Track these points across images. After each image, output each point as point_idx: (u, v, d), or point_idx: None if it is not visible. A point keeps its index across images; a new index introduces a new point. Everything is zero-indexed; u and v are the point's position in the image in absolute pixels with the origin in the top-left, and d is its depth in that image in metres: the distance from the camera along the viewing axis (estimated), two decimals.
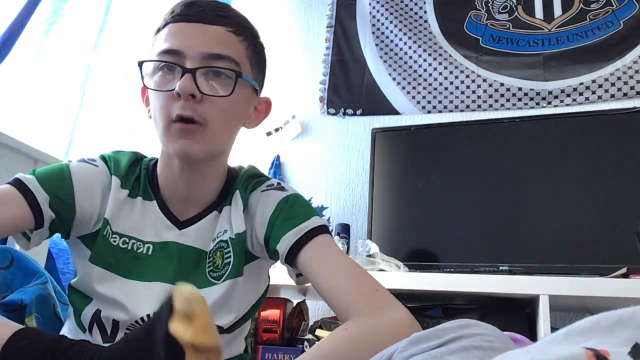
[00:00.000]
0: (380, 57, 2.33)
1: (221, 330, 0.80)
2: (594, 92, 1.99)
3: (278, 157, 2.33)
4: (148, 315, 0.76)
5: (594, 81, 2.00)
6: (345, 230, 1.98)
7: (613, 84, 1.97)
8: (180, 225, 0.81)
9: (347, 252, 1.90)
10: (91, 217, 0.79)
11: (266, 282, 0.92)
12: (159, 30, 0.80)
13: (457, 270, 1.67)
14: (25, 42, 1.39)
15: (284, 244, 0.78)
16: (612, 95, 1.97)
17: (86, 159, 0.83)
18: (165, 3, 2.04)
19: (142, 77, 0.79)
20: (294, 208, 0.81)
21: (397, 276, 1.64)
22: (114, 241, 0.79)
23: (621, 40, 2.01)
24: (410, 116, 2.22)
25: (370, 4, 2.42)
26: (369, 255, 1.72)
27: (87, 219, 0.79)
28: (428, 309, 1.66)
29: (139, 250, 0.79)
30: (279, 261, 0.83)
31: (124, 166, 0.83)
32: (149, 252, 0.79)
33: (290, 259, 0.78)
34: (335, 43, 2.43)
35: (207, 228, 0.82)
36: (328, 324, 1.79)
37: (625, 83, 1.96)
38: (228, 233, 0.81)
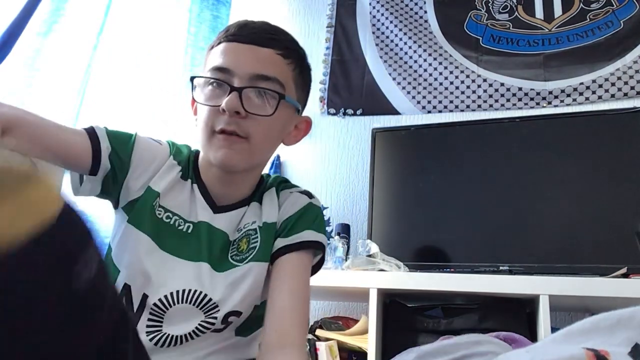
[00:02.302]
0: (381, 57, 2.33)
1: (235, 316, 0.84)
2: (594, 92, 1.99)
3: (278, 157, 2.33)
4: (171, 294, 0.81)
5: (594, 81, 2.00)
6: (345, 230, 1.98)
7: (613, 84, 1.97)
8: (216, 209, 0.87)
9: (347, 252, 1.90)
10: (137, 186, 0.83)
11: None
12: (212, 47, 0.86)
13: (457, 270, 1.67)
14: (25, 42, 1.39)
15: (282, 242, 0.86)
16: (613, 95, 1.97)
17: (155, 138, 0.90)
18: (165, 3, 2.04)
19: (193, 90, 0.84)
20: (310, 217, 0.89)
21: (397, 276, 1.64)
22: (159, 214, 0.84)
23: (621, 40, 2.01)
24: (411, 116, 2.22)
25: (370, 4, 2.42)
26: (369, 255, 1.72)
27: (133, 187, 0.83)
28: (428, 308, 1.66)
29: (180, 227, 0.85)
30: None
31: (183, 153, 0.90)
32: (189, 231, 0.85)
33: (274, 256, 0.86)
34: (336, 43, 2.43)
35: (235, 219, 0.88)
36: (328, 324, 1.79)
37: (626, 83, 1.96)
38: (257, 223, 0.87)
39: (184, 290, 0.81)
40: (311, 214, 0.90)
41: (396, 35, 2.33)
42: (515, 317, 1.56)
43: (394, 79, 2.28)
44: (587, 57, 2.04)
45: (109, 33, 1.68)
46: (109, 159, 0.80)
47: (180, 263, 0.83)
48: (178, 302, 0.81)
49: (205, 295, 0.82)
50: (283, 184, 0.95)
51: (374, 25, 2.40)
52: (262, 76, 0.80)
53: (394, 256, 1.73)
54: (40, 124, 0.75)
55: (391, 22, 2.35)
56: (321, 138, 2.33)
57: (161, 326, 0.81)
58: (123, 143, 0.82)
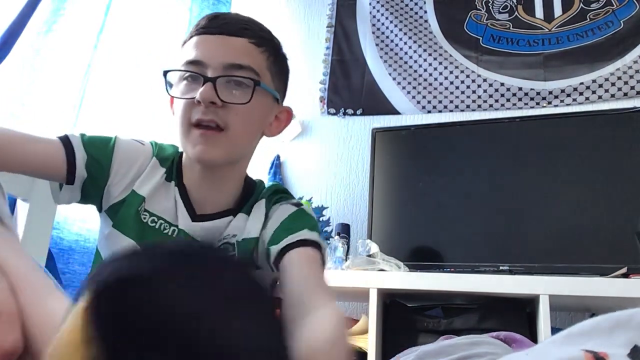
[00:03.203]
0: (381, 57, 2.33)
1: None
2: (594, 92, 1.99)
3: (278, 157, 2.33)
4: None
5: (594, 81, 2.00)
6: (345, 230, 1.98)
7: (613, 84, 1.97)
8: (195, 217, 0.84)
9: (347, 252, 1.90)
10: (119, 187, 0.82)
11: None
12: (185, 42, 0.84)
13: (457, 270, 1.67)
14: (25, 42, 1.39)
15: (278, 246, 0.80)
16: (613, 95, 1.97)
17: (136, 139, 0.88)
18: (165, 3, 2.04)
19: (167, 86, 0.83)
20: (299, 218, 0.85)
21: (397, 276, 1.64)
22: (144, 218, 0.83)
23: (621, 40, 2.01)
24: (411, 116, 2.22)
25: (370, 4, 2.42)
26: (369, 255, 1.72)
27: (115, 190, 0.82)
28: (428, 308, 1.66)
29: (165, 231, 0.83)
30: None
31: (167, 153, 0.88)
32: (174, 235, 0.83)
33: (278, 261, 0.80)
34: (336, 43, 2.43)
35: (217, 228, 0.85)
36: None
37: (626, 83, 1.96)
38: (237, 237, 0.84)
39: None
40: (304, 217, 0.85)
41: (396, 35, 2.33)
42: (516, 317, 1.56)
43: (394, 79, 2.28)
44: (587, 57, 2.04)
45: (109, 33, 1.68)
46: (85, 168, 0.79)
47: None
48: None
49: None
50: (276, 196, 0.89)
51: (374, 25, 2.40)
52: (235, 65, 0.79)
53: (394, 256, 1.73)
54: (5, 136, 0.74)
55: (391, 22, 2.35)
56: (321, 138, 2.33)
57: None
58: (101, 148, 0.82)
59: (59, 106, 1.52)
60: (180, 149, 0.88)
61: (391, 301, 1.72)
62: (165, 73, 0.82)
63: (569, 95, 2.02)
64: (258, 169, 2.22)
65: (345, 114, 2.32)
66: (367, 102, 2.30)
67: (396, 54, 2.32)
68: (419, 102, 2.22)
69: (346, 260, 1.78)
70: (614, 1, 2.07)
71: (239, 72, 0.79)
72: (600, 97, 1.98)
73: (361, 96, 2.31)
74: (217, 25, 0.81)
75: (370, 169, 2.01)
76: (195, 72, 0.79)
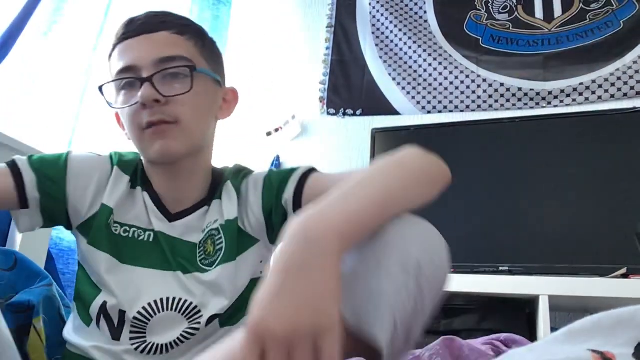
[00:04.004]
0: (380, 58, 2.33)
1: (218, 317, 0.82)
2: (593, 93, 1.99)
3: (278, 157, 2.33)
4: (150, 305, 0.78)
5: (593, 81, 2.00)
6: None
7: (613, 84, 1.97)
8: (171, 217, 0.84)
9: None
10: (84, 203, 0.81)
11: (262, 272, 0.91)
12: (110, 55, 0.83)
13: (456, 270, 1.67)
14: (25, 42, 1.39)
15: (288, 192, 0.82)
16: (612, 96, 1.97)
17: (93, 152, 0.87)
18: (165, 3, 2.04)
19: (108, 102, 0.82)
20: (280, 172, 0.87)
21: None
22: (115, 230, 0.82)
23: (621, 40, 2.01)
24: (410, 116, 2.22)
25: (370, 4, 2.42)
26: None
27: (81, 205, 0.81)
28: None
29: (140, 238, 0.82)
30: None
31: (129, 161, 0.86)
32: (150, 240, 0.82)
33: (298, 201, 0.82)
34: (335, 43, 2.43)
35: (197, 222, 0.84)
36: None
37: (625, 83, 1.96)
38: (219, 221, 0.84)
39: (161, 300, 0.79)
40: (280, 170, 0.88)
41: (396, 36, 2.33)
42: (515, 317, 1.56)
43: (393, 79, 2.28)
44: (587, 58, 2.04)
45: (108, 34, 1.68)
46: (37, 189, 0.77)
47: (149, 273, 0.81)
48: (159, 312, 0.79)
49: (186, 301, 0.80)
50: (240, 174, 0.90)
51: (373, 25, 2.40)
52: (166, 58, 0.78)
53: None
54: None
55: (391, 22, 2.35)
56: (321, 138, 2.33)
57: (145, 336, 0.79)
58: (52, 166, 0.80)
59: (59, 106, 1.52)
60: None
61: None
62: (100, 89, 0.81)
63: (568, 96, 2.02)
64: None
65: (345, 114, 2.32)
66: (367, 102, 2.30)
67: (396, 54, 2.32)
68: (418, 103, 2.22)
69: None
70: (613, 1, 2.07)
71: (172, 64, 0.78)
72: (599, 97, 1.98)
73: (361, 96, 2.31)
74: (135, 27, 0.81)
75: None
76: (130, 77, 0.78)
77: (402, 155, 0.71)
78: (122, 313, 0.78)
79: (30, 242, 1.21)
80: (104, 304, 0.79)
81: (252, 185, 0.87)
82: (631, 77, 1.95)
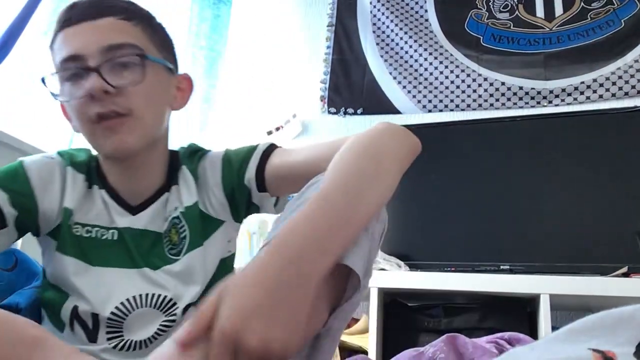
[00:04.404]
0: (381, 56, 2.33)
1: (193, 305, 0.80)
2: (595, 91, 1.99)
3: None
4: (122, 304, 0.77)
5: (595, 80, 2.00)
6: None
7: (614, 83, 1.97)
8: (133, 210, 0.81)
9: None
10: (54, 209, 0.78)
11: (231, 251, 0.89)
12: (52, 43, 0.78)
13: (458, 269, 1.67)
14: (25, 42, 1.39)
15: (250, 171, 0.81)
16: (613, 95, 1.96)
17: (42, 155, 0.83)
18: (165, 2, 2.04)
19: (52, 94, 0.77)
20: (239, 151, 0.84)
21: (397, 275, 1.64)
22: (77, 231, 0.79)
23: (622, 39, 2.01)
24: (411, 115, 2.22)
25: (371, 3, 2.42)
26: None
27: (51, 211, 0.78)
28: (429, 307, 1.66)
29: (104, 237, 0.79)
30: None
31: (81, 158, 0.83)
32: (115, 238, 0.80)
33: (261, 179, 0.81)
34: (336, 42, 2.43)
35: (160, 210, 0.82)
36: None
37: (627, 82, 1.96)
38: (179, 209, 0.81)
39: (134, 297, 0.77)
40: (238, 149, 0.84)
41: (397, 35, 2.33)
42: (516, 316, 1.56)
43: (394, 78, 2.28)
44: (588, 56, 2.03)
45: None
46: (12, 206, 0.74)
47: (118, 272, 0.78)
48: (134, 309, 0.77)
49: (160, 295, 0.78)
50: (195, 156, 0.86)
51: (374, 24, 2.40)
52: (113, 46, 0.73)
53: (395, 255, 1.73)
54: None
55: (392, 21, 2.35)
56: (322, 137, 2.33)
57: (122, 335, 0.77)
58: (14, 180, 0.75)
59: (59, 106, 1.52)
60: (94, 152, 0.84)
61: (392, 300, 1.72)
62: (43, 80, 0.76)
63: (569, 95, 2.02)
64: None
65: (345, 113, 2.32)
66: (368, 101, 2.30)
67: (397, 53, 2.31)
68: (419, 102, 2.22)
69: None
70: (614, 0, 2.07)
71: (120, 52, 0.73)
72: (601, 96, 1.98)
73: (362, 95, 2.31)
74: (79, 12, 0.75)
75: None
76: (76, 66, 0.73)
77: (368, 141, 0.70)
78: (94, 316, 0.76)
79: (31, 241, 1.22)
80: (75, 308, 0.77)
81: (209, 166, 0.84)
82: (632, 76, 1.95)
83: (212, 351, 0.44)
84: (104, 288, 0.77)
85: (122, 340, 0.77)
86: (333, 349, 0.61)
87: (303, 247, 0.49)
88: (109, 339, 0.77)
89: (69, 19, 0.75)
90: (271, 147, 0.82)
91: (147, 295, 0.78)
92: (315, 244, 0.50)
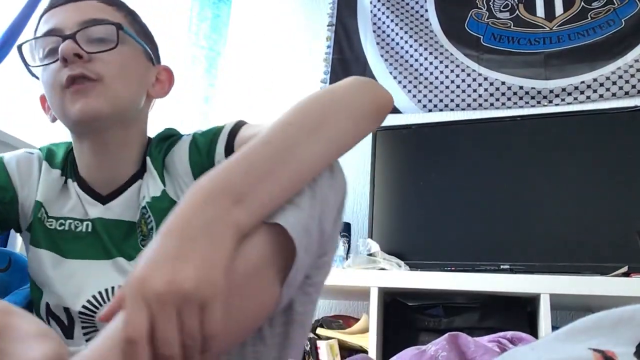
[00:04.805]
0: (381, 56, 2.33)
1: None
2: (595, 91, 1.99)
3: None
4: (94, 297, 0.75)
5: (595, 80, 2.00)
6: (346, 229, 1.98)
7: (614, 83, 1.97)
8: (104, 200, 0.79)
9: (348, 250, 1.90)
10: (30, 203, 0.79)
11: None
12: (36, 28, 0.79)
13: (458, 269, 1.67)
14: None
15: (219, 151, 0.77)
16: (614, 94, 1.96)
17: (23, 149, 0.84)
18: (165, 2, 2.04)
19: (24, 63, 0.77)
20: (207, 132, 0.81)
21: (398, 275, 1.64)
22: (50, 225, 0.78)
23: (622, 38, 2.01)
24: (411, 115, 2.22)
25: (371, 3, 2.42)
26: (370, 254, 1.72)
27: (28, 205, 0.79)
28: (429, 307, 1.66)
29: (78, 229, 0.78)
30: None
31: (59, 153, 0.83)
32: (89, 229, 0.78)
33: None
34: (336, 42, 2.43)
35: (132, 199, 0.79)
36: (329, 322, 1.79)
37: (627, 82, 1.96)
38: (146, 199, 0.79)
39: (106, 290, 0.76)
40: (204, 134, 0.80)
41: (397, 34, 2.33)
42: (516, 316, 1.56)
43: (394, 77, 2.28)
44: (588, 56, 2.03)
45: None
46: None
47: (92, 264, 0.77)
48: (105, 302, 0.75)
49: None
50: (165, 143, 0.83)
51: (374, 24, 2.40)
52: (91, 20, 0.74)
53: (395, 255, 1.73)
54: None
55: (392, 20, 2.35)
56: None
57: (97, 329, 0.75)
58: None
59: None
60: (69, 139, 0.83)
61: (392, 300, 1.72)
62: (19, 48, 0.76)
63: (570, 94, 2.02)
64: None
65: None
66: None
67: (397, 52, 2.31)
68: (419, 101, 2.22)
69: (347, 259, 1.78)
70: (615, 0, 2.07)
71: (97, 26, 0.74)
72: (601, 96, 1.98)
73: None
74: None
75: (370, 167, 2.00)
76: (52, 35, 0.74)
77: (324, 92, 0.64)
78: (67, 310, 0.76)
79: None
80: (47, 304, 0.76)
81: (177, 153, 0.81)
82: (632, 76, 1.95)
83: (125, 307, 0.42)
84: (75, 281, 0.76)
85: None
86: (303, 334, 0.60)
87: (212, 191, 0.48)
88: (85, 334, 0.75)
89: (53, 3, 0.77)
90: (239, 124, 0.79)
91: (120, 287, 0.77)
92: (227, 189, 0.48)
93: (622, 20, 2.03)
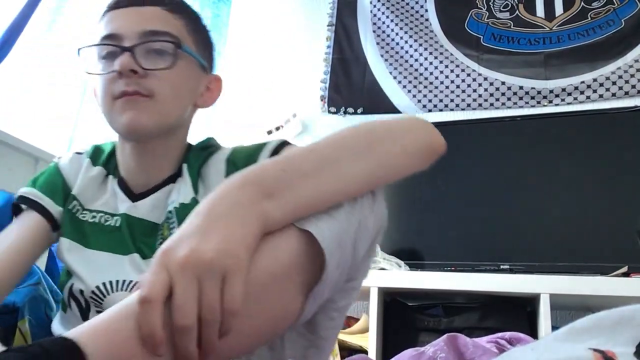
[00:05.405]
0: (381, 56, 2.33)
1: None
2: (595, 91, 1.99)
3: None
4: (104, 284, 0.78)
5: (595, 80, 2.00)
6: None
7: (614, 83, 1.97)
8: (135, 198, 0.82)
9: None
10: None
11: None
12: (98, 23, 0.81)
13: (458, 269, 1.67)
14: (25, 42, 1.39)
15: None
16: (614, 94, 1.96)
17: (77, 150, 0.87)
18: None
19: (85, 67, 0.79)
20: (247, 149, 0.81)
21: (397, 275, 1.64)
22: (83, 217, 0.82)
23: (622, 38, 2.01)
24: (411, 115, 2.22)
25: (371, 3, 2.42)
26: None
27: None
28: (429, 307, 1.66)
29: (107, 223, 0.81)
30: None
31: (105, 151, 0.86)
32: (117, 224, 0.81)
33: None
34: (336, 41, 2.43)
35: (162, 200, 0.81)
36: None
37: (627, 82, 1.96)
38: (174, 203, 0.80)
39: (117, 281, 0.78)
40: (244, 150, 0.80)
41: (397, 34, 2.33)
42: (516, 315, 1.56)
43: (394, 77, 2.28)
44: (588, 56, 2.03)
45: None
46: (59, 205, 0.80)
47: (110, 257, 0.79)
48: (112, 292, 0.77)
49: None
50: (204, 152, 0.84)
51: (374, 24, 2.40)
52: (152, 31, 0.75)
53: (395, 255, 1.73)
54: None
55: (392, 20, 2.35)
56: (322, 137, 2.32)
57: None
58: (54, 181, 0.82)
59: (60, 104, 1.52)
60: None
61: (392, 300, 1.72)
62: (79, 51, 0.79)
63: (570, 94, 2.02)
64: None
65: (346, 112, 2.32)
66: (368, 100, 2.29)
67: (397, 52, 2.31)
68: (419, 101, 2.22)
69: None
70: (614, 0, 2.07)
71: (156, 38, 0.75)
72: (601, 96, 1.98)
73: (362, 95, 2.31)
74: None
75: None
76: (111, 44, 0.75)
77: (380, 123, 0.64)
78: (82, 292, 0.78)
79: None
80: (71, 286, 0.79)
81: (215, 166, 0.82)
82: (632, 76, 1.95)
83: (150, 273, 0.43)
84: (92, 267, 0.78)
85: None
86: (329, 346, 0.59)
87: (245, 181, 0.49)
88: None
89: (117, 3, 0.79)
90: (283, 143, 0.78)
91: (130, 282, 0.78)
92: (260, 181, 0.49)
93: (622, 20, 2.03)
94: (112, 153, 0.86)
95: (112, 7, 0.79)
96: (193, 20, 0.83)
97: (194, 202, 0.79)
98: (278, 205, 0.48)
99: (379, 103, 2.27)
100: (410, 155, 0.63)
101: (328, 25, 2.46)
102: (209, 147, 0.85)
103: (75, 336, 0.39)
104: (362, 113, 2.29)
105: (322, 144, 0.57)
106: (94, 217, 0.81)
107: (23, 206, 0.81)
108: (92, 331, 0.40)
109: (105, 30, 0.77)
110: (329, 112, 2.34)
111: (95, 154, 0.85)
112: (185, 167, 0.82)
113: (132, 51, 0.73)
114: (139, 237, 0.80)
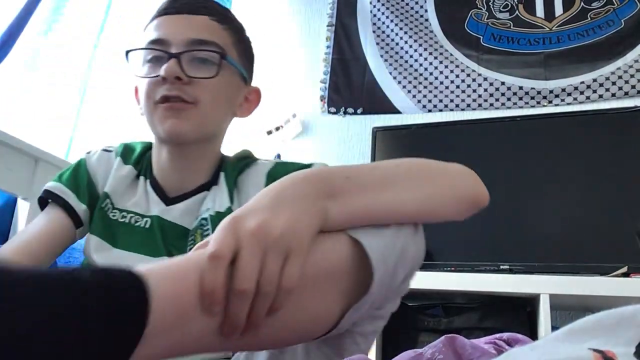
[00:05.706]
0: (381, 56, 2.33)
1: None
2: (595, 91, 1.99)
3: (279, 155, 2.33)
4: None
5: (595, 80, 2.00)
6: None
7: (614, 83, 1.97)
8: (168, 201, 0.82)
9: None
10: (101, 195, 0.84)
11: None
12: (146, 27, 0.83)
13: (457, 269, 1.67)
14: (25, 42, 1.39)
15: None
16: (613, 94, 1.96)
17: (105, 147, 0.88)
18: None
19: (131, 69, 0.81)
20: (290, 166, 0.82)
21: None
22: (113, 216, 0.82)
23: (622, 39, 2.01)
24: (411, 115, 2.22)
25: (371, 3, 2.42)
26: None
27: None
28: (429, 307, 1.66)
29: (137, 224, 0.82)
30: None
31: (136, 150, 0.86)
32: (147, 226, 0.81)
33: None
34: (336, 42, 2.43)
35: (194, 207, 0.82)
36: None
37: (627, 82, 1.96)
38: (210, 210, 0.81)
39: None
40: (287, 167, 0.81)
41: (397, 34, 2.33)
42: (516, 316, 1.56)
43: (394, 77, 2.28)
44: (588, 56, 2.03)
45: (109, 32, 1.68)
46: (83, 203, 0.81)
47: (137, 257, 0.80)
48: None
49: None
50: (241, 162, 0.85)
51: (374, 24, 2.40)
52: (199, 41, 0.77)
53: None
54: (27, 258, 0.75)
55: (392, 21, 2.35)
56: (322, 137, 2.33)
57: None
58: (79, 176, 0.83)
59: (60, 105, 1.52)
60: (150, 140, 0.87)
61: None
62: (127, 53, 0.81)
63: (569, 95, 2.02)
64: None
65: (345, 113, 2.32)
66: (368, 101, 2.30)
67: (397, 53, 2.31)
68: (419, 101, 2.22)
69: None
70: (614, 0, 2.07)
71: (203, 47, 0.78)
72: (601, 96, 1.98)
73: (362, 95, 2.31)
74: (178, 5, 0.81)
75: None
76: (159, 49, 0.77)
77: (439, 164, 0.69)
78: None
79: None
80: None
81: (252, 177, 0.83)
82: (632, 76, 1.95)
83: (218, 234, 0.44)
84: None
85: None
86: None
87: (312, 178, 0.51)
88: None
89: (168, 9, 0.81)
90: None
91: None
92: (325, 181, 0.51)
93: (622, 20, 2.03)
94: (143, 153, 0.86)
95: (161, 13, 0.81)
96: (238, 31, 0.86)
97: (229, 211, 0.80)
98: (338, 208, 0.50)
99: (379, 103, 2.27)
100: (458, 200, 0.67)
101: (328, 26, 2.46)
102: (246, 158, 0.87)
103: (144, 275, 0.39)
104: (362, 113, 2.29)
105: (384, 164, 0.60)
106: (124, 216, 0.82)
107: (49, 200, 0.81)
108: (161, 275, 0.40)
109: (154, 34, 0.79)
110: (329, 112, 2.34)
111: (126, 153, 0.86)
112: (222, 175, 0.84)
113: (179, 58, 0.75)
114: (171, 240, 0.81)
